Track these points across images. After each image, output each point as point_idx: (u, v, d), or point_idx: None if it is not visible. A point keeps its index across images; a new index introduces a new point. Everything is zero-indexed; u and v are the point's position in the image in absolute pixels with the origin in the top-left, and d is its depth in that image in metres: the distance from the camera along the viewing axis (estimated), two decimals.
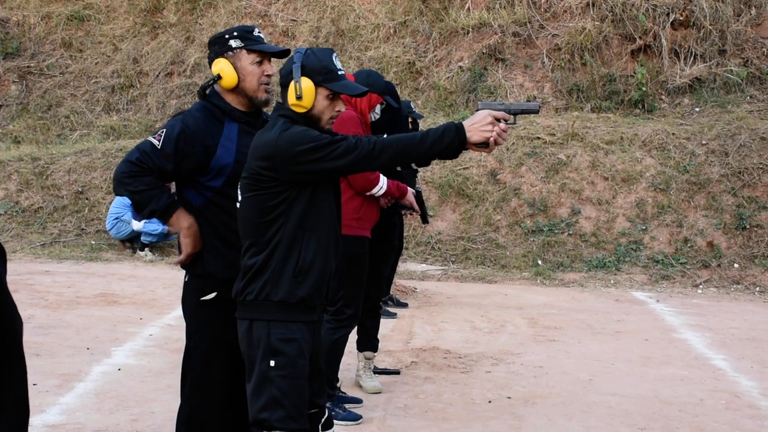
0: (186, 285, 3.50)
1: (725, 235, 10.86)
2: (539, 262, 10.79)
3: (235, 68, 3.37)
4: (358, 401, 5.34)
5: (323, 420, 3.27)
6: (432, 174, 11.83)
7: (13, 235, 11.69)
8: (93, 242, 11.47)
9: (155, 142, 3.25)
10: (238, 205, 3.12)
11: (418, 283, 9.86)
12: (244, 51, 3.39)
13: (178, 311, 8.07)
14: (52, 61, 16.18)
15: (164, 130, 3.30)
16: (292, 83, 3.03)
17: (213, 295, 3.37)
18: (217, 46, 3.43)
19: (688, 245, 10.81)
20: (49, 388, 5.46)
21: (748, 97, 13.01)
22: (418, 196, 5.59)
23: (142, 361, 6.25)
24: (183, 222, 3.28)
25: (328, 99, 3.06)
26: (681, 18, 13.73)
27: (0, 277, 3.13)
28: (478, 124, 2.92)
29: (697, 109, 12.98)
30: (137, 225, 10.79)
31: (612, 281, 10.33)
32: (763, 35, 13.87)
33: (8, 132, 15.03)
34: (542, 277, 10.42)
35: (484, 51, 14.18)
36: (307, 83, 3.01)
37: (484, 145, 2.94)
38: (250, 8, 16.06)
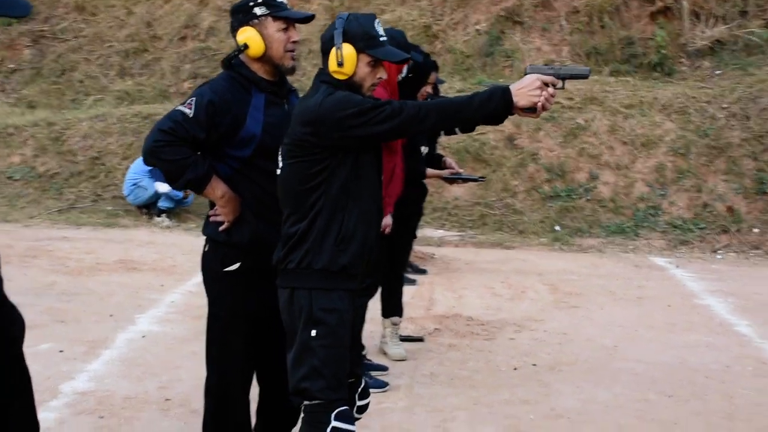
0: (206, 254, 3.46)
1: (745, 199, 10.77)
2: (557, 227, 10.74)
3: (262, 36, 3.30)
4: (383, 368, 5.34)
5: (360, 389, 3.26)
6: (449, 139, 11.72)
7: (30, 200, 11.68)
8: (109, 208, 11.45)
9: (186, 110, 3.19)
10: (278, 171, 3.08)
11: (435, 249, 9.82)
12: (270, 18, 3.31)
13: (199, 278, 8.02)
14: (66, 25, 16.06)
15: (193, 98, 3.24)
16: (333, 50, 2.97)
17: (237, 265, 3.33)
18: (241, 15, 3.34)
19: (708, 210, 10.73)
20: (77, 355, 5.48)
21: None
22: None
23: (165, 328, 6.26)
24: (218, 191, 3.23)
25: (370, 66, 3.01)
26: None
27: None
28: (525, 89, 2.86)
29: (717, 72, 12.82)
30: (164, 187, 10.67)
31: (630, 247, 10.27)
32: None
33: (23, 97, 14.96)
34: (560, 243, 10.37)
35: (502, 14, 14.00)
36: (348, 50, 2.96)
37: (531, 110, 2.88)
38: None
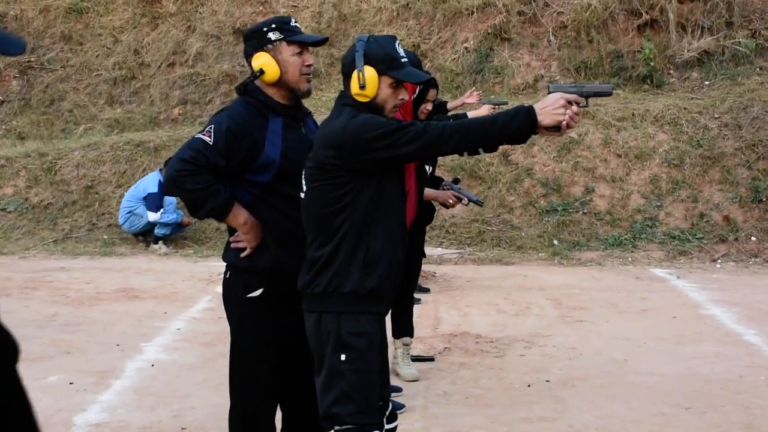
0: (227, 281, 3.42)
1: (741, 208, 10.81)
2: (555, 242, 10.74)
3: (276, 61, 3.30)
4: (398, 390, 5.30)
5: (388, 413, 3.22)
6: (443, 157, 11.74)
7: (24, 231, 11.61)
8: (105, 237, 11.39)
9: (206, 138, 3.17)
10: (302, 195, 3.06)
11: (435, 267, 9.81)
12: (284, 43, 3.30)
13: (202, 304, 8.10)
14: (53, 55, 16.03)
15: (212, 125, 3.22)
16: (355, 72, 2.96)
17: (260, 291, 3.30)
18: (255, 40, 3.34)
19: (704, 220, 10.77)
20: (87, 386, 5.42)
21: (758, 69, 12.91)
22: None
23: (173, 356, 6.21)
24: (240, 218, 3.20)
25: (392, 87, 3.00)
26: None
27: None
28: (549, 107, 2.85)
29: (706, 83, 12.90)
30: (154, 216, 10.71)
31: (630, 259, 10.28)
32: None
33: (12, 128, 14.90)
34: (559, 257, 10.37)
35: (490, 31, 14.07)
36: (370, 72, 2.95)
37: (556, 129, 2.87)
38: None
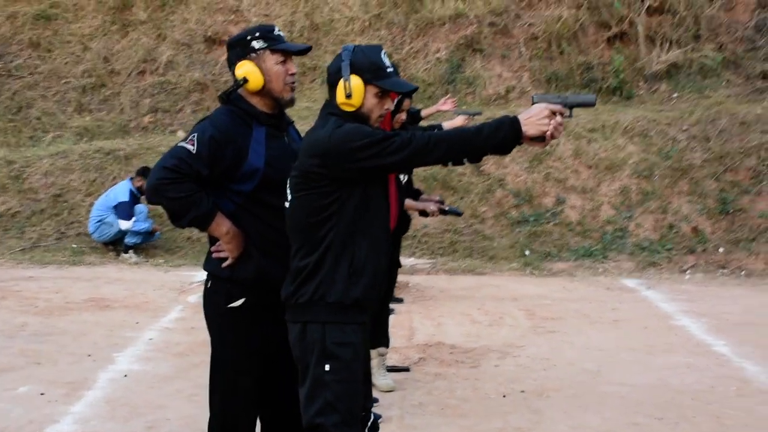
0: (209, 291, 3.39)
1: (709, 220, 10.94)
2: (527, 252, 10.80)
3: (260, 70, 3.29)
4: (374, 400, 5.28)
5: (369, 423, 3.23)
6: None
7: None
8: (74, 246, 11.26)
9: (189, 147, 3.16)
10: (286, 205, 3.05)
11: (408, 277, 9.81)
12: (268, 51, 3.31)
13: (174, 314, 8.04)
14: (20, 62, 15.85)
15: (195, 134, 3.21)
16: (341, 81, 2.96)
17: (241, 301, 3.29)
18: (239, 48, 3.34)
19: (673, 231, 10.88)
20: (58, 397, 5.35)
21: (725, 82, 13.12)
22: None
23: (146, 366, 6.15)
24: (222, 228, 3.19)
25: (377, 97, 3.01)
26: (655, 4, 13.82)
27: None
28: (534, 118, 2.87)
29: (675, 95, 13.07)
30: (126, 224, 10.62)
31: (600, 269, 10.36)
32: (736, 19, 13.99)
33: None
34: (531, 268, 10.43)
35: (461, 42, 14.16)
36: (356, 81, 2.95)
37: (540, 140, 2.89)
38: (222, 3, 15.86)
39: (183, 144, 3.17)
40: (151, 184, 3.12)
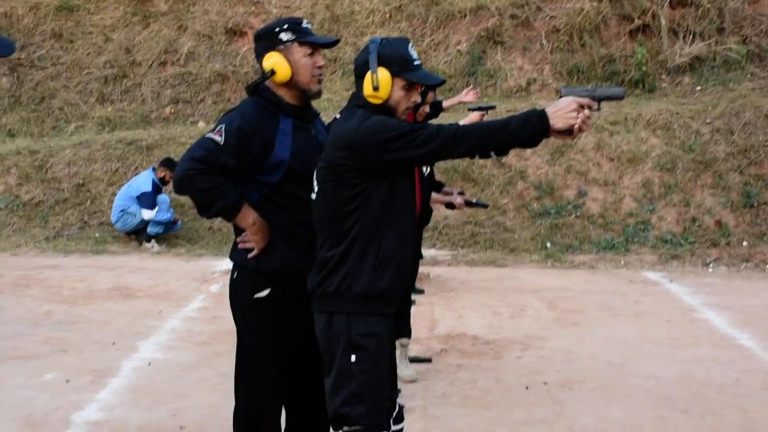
0: (234, 281, 3.41)
1: (733, 213, 10.87)
2: (548, 244, 10.76)
3: (288, 62, 3.29)
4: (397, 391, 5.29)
5: (395, 414, 3.22)
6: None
7: (15, 229, 11.54)
8: (97, 235, 11.34)
9: (216, 138, 3.17)
10: (313, 196, 3.05)
11: (429, 269, 9.79)
12: (296, 44, 3.31)
13: (196, 303, 8.07)
14: (43, 53, 15.94)
15: (222, 125, 3.22)
16: (368, 74, 2.96)
17: (267, 291, 3.29)
18: (266, 40, 3.34)
19: (696, 224, 10.82)
20: (83, 384, 5.40)
21: (749, 75, 13.00)
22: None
23: (169, 355, 6.19)
24: (249, 219, 3.20)
25: (404, 89, 3.00)
26: None
27: None
28: (562, 111, 2.85)
29: (698, 88, 12.97)
30: (149, 214, 10.67)
31: (622, 262, 10.31)
32: (760, 12, 13.86)
33: (2, 125, 14.79)
34: (552, 260, 10.39)
35: (482, 34, 14.09)
36: (383, 74, 2.95)
37: (568, 133, 2.87)
38: None
39: (210, 135, 3.18)
40: (179, 176, 3.13)
